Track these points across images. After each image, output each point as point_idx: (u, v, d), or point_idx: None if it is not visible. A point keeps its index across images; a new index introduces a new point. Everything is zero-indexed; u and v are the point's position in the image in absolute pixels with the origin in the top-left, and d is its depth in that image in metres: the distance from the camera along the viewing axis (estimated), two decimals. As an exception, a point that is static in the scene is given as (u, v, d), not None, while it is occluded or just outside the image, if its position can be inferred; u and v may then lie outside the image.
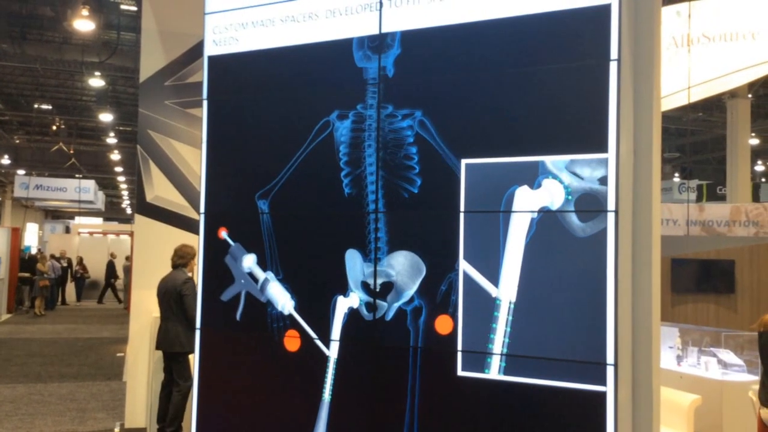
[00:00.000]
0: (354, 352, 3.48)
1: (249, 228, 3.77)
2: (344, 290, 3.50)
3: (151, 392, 6.26)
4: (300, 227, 3.67)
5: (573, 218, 3.00)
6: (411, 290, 3.35)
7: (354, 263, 3.50)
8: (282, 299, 3.67)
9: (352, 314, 3.49)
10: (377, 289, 3.42)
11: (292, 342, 3.63)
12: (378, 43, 3.48)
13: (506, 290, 3.09)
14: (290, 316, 3.64)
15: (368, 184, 3.47)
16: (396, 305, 3.38)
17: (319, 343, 3.55)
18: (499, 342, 3.09)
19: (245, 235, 3.79)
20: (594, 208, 2.95)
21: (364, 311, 3.46)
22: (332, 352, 3.52)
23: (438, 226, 3.30)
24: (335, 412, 3.49)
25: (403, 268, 3.38)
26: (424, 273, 3.33)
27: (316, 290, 3.59)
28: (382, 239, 3.43)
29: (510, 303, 3.08)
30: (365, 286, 3.46)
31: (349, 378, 3.49)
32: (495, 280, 3.12)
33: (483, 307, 3.14)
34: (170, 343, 5.61)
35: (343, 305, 3.51)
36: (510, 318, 3.08)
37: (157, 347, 5.76)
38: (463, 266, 3.20)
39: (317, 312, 3.57)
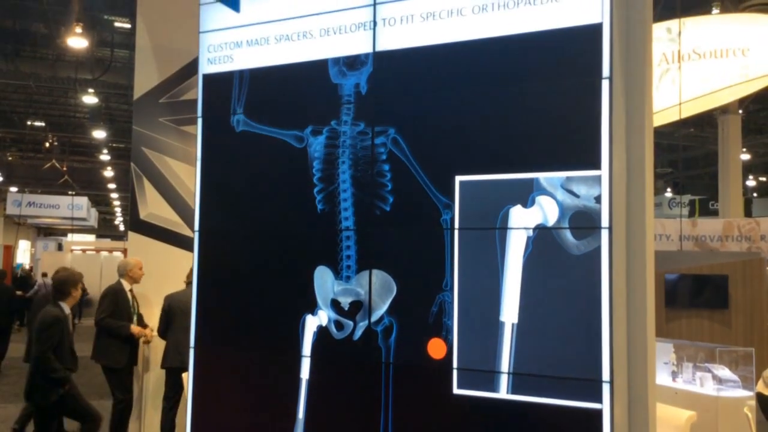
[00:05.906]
0: (326, 371, 3.50)
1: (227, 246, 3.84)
2: (312, 309, 3.52)
3: (144, 410, 6.20)
4: (275, 245, 3.69)
5: (568, 236, 3.00)
6: (381, 309, 3.36)
7: (324, 281, 3.51)
8: None
9: (321, 332, 3.50)
10: (346, 308, 3.44)
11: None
12: (354, 59, 3.52)
13: (508, 310, 3.08)
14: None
15: (341, 201, 3.50)
16: (363, 324, 3.39)
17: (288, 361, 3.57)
18: (505, 361, 3.07)
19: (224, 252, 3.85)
20: (588, 225, 2.96)
21: (333, 330, 3.47)
22: (303, 371, 3.53)
23: (417, 244, 3.32)
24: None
25: (374, 287, 3.39)
26: (394, 292, 3.34)
27: (285, 309, 3.60)
28: (353, 257, 3.45)
29: (512, 324, 3.06)
30: (335, 305, 3.47)
31: (322, 397, 3.50)
32: (492, 299, 3.12)
33: (479, 326, 3.14)
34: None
35: (312, 324, 3.52)
36: (514, 337, 3.06)
37: (180, 365, 5.64)
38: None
39: (286, 330, 3.58)
